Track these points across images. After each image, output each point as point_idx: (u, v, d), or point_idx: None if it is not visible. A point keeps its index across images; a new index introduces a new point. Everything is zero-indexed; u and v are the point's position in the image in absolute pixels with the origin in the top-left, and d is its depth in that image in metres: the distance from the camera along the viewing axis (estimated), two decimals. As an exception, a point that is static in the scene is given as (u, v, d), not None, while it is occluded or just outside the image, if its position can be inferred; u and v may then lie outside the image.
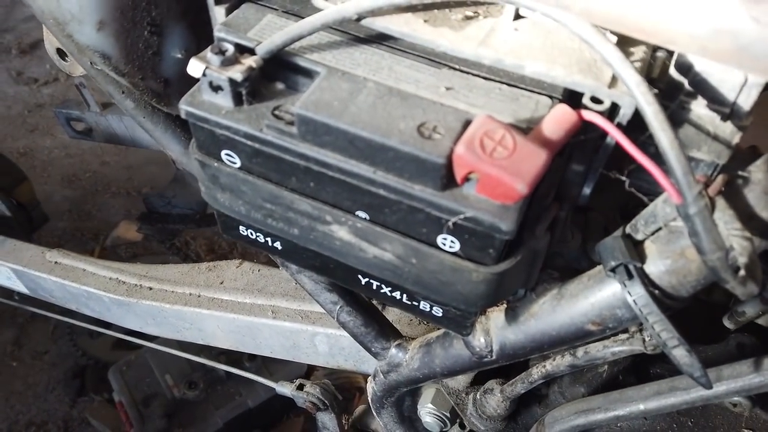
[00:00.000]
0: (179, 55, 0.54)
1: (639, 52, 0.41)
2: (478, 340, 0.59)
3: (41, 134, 3.32)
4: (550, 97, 0.43)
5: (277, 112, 0.46)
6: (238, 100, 0.46)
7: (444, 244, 0.45)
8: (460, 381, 0.73)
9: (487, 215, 0.41)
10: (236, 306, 0.93)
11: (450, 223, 0.43)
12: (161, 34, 0.51)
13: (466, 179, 0.41)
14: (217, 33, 0.47)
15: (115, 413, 2.05)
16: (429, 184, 0.42)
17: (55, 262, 1.10)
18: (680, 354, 0.44)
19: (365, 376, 2.01)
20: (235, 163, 0.49)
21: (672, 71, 0.41)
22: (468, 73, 0.45)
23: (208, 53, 0.45)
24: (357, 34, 0.48)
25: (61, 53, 0.66)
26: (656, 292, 0.45)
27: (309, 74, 0.46)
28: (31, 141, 3.27)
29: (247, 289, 0.95)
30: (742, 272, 0.38)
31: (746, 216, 0.42)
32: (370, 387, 0.79)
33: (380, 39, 0.48)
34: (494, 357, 0.59)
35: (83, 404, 2.20)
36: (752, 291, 0.37)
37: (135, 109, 0.60)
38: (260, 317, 0.91)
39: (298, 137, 0.44)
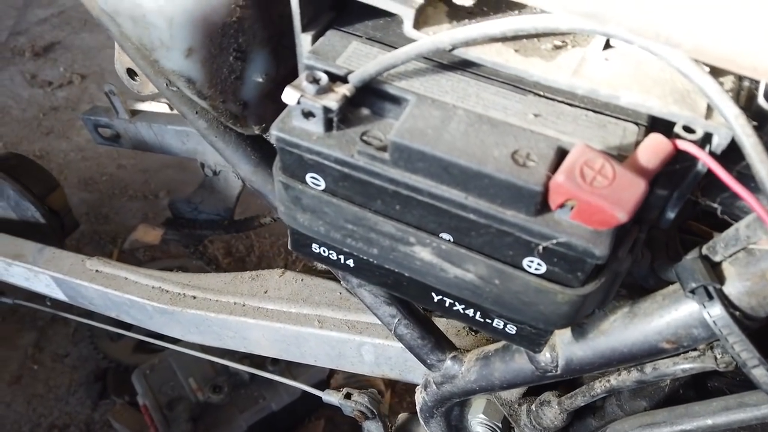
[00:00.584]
0: (260, 80, 0.55)
1: (728, 81, 0.42)
2: (544, 355, 0.60)
3: (57, 137, 3.33)
4: (636, 124, 0.45)
5: (365, 138, 0.47)
6: (328, 126, 0.47)
7: (530, 267, 0.46)
8: (513, 392, 0.75)
9: (582, 241, 0.42)
10: (282, 315, 0.94)
11: (540, 247, 0.44)
12: (245, 59, 0.53)
13: (561, 206, 0.42)
14: (307, 61, 0.49)
15: (137, 416, 2.07)
16: (522, 210, 0.43)
17: (96, 270, 1.12)
18: (760, 374, 0.45)
19: (384, 380, 2.02)
20: (319, 185, 0.50)
21: (761, 100, 0.42)
22: (553, 99, 0.47)
23: (302, 82, 0.46)
24: (441, 60, 0.49)
25: (131, 73, 0.67)
26: (736, 312, 0.46)
27: (396, 101, 0.48)
28: (46, 144, 3.28)
29: (292, 299, 0.96)
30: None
31: (830, 241, 0.44)
32: (421, 397, 0.81)
33: (464, 65, 0.49)
34: (559, 372, 0.60)
35: (105, 407, 2.22)
36: None
37: (207, 129, 0.61)
38: (306, 327, 0.92)
39: (390, 163, 0.45)
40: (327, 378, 2.00)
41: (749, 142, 0.37)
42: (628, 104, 0.42)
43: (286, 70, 0.56)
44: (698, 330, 0.49)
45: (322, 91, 0.46)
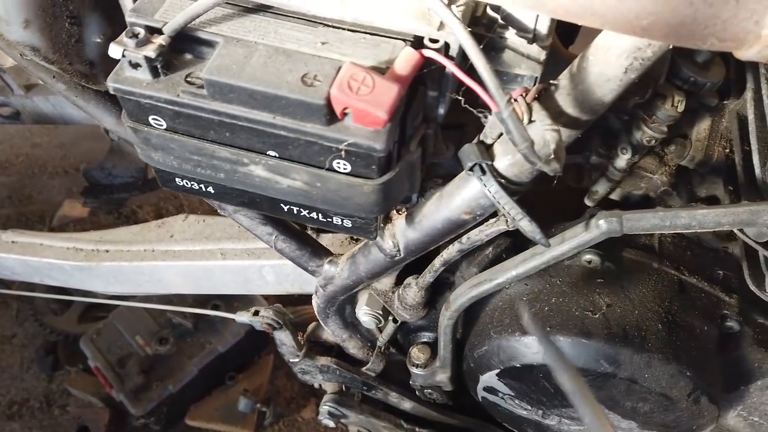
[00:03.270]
0: (99, 40, 0.63)
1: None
2: (387, 243, 0.72)
3: (-38, 124, 3.22)
4: (404, 41, 0.55)
5: (189, 79, 0.56)
6: (155, 73, 0.56)
7: (339, 168, 0.57)
8: (386, 283, 0.88)
9: (364, 140, 0.53)
10: (188, 254, 1.04)
11: (340, 150, 0.55)
12: (81, 24, 0.60)
13: (345, 114, 0.53)
14: (128, 18, 0.57)
15: (92, 380, 2.16)
16: (317, 122, 0.54)
17: (12, 242, 1.18)
18: (524, 224, 0.58)
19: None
20: (161, 125, 0.60)
21: (488, 10, 0.54)
22: (339, 28, 0.56)
23: (123, 37, 0.54)
24: (246, 5, 0.58)
25: (-11, 48, 0.73)
26: (504, 181, 0.59)
27: (210, 44, 0.57)
28: (-48, 132, 3.17)
29: (196, 238, 1.06)
30: (551, 155, 0.52)
31: (557, 114, 0.56)
32: (315, 301, 0.93)
33: (265, 7, 0.58)
34: (402, 255, 0.73)
35: (61, 377, 2.29)
36: (555, 168, 0.51)
37: (67, 90, 0.69)
38: (211, 260, 1.02)
39: (208, 97, 0.55)
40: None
41: (467, 43, 0.49)
42: (384, 26, 0.53)
43: (121, 28, 0.64)
44: (483, 200, 0.61)
45: (141, 43, 0.54)
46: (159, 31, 0.56)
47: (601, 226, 0.61)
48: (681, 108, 0.65)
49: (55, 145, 3.06)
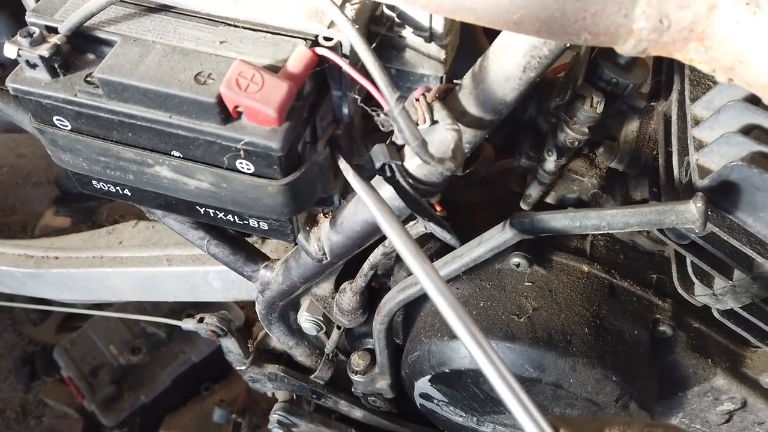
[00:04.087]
0: (5, 41, 0.62)
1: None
2: (313, 246, 0.71)
3: (-52, 135, 3.23)
4: (304, 40, 0.54)
5: (88, 79, 0.56)
6: (53, 72, 0.55)
7: (242, 167, 0.56)
8: (325, 288, 0.86)
9: (260, 139, 0.52)
10: (135, 261, 1.03)
11: (239, 150, 0.54)
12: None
13: (239, 113, 0.52)
14: (27, 18, 0.56)
15: (68, 390, 2.15)
16: (212, 120, 0.53)
17: (-37, 249, 1.17)
18: (434, 226, 0.57)
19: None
20: (66, 126, 0.59)
21: (385, 9, 0.53)
22: (240, 27, 0.56)
23: (18, 37, 0.54)
24: (148, 5, 0.57)
25: None
26: (413, 181, 0.58)
27: (110, 44, 0.56)
28: (-62, 143, 3.18)
29: (144, 245, 1.05)
30: (449, 155, 0.51)
31: (460, 114, 0.55)
32: (257, 307, 0.92)
33: (166, 7, 0.57)
34: (329, 258, 0.72)
35: (37, 388, 2.28)
36: (450, 167, 0.50)
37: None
38: (157, 267, 1.01)
39: (104, 97, 0.54)
40: (249, 325, 2.11)
41: (355, 41, 0.48)
42: (276, 24, 0.52)
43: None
44: (397, 201, 0.60)
45: (36, 42, 0.54)
46: (57, 31, 0.55)
47: (514, 226, 0.59)
48: (600, 109, 0.64)
49: (40, 155, 3.05)
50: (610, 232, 0.72)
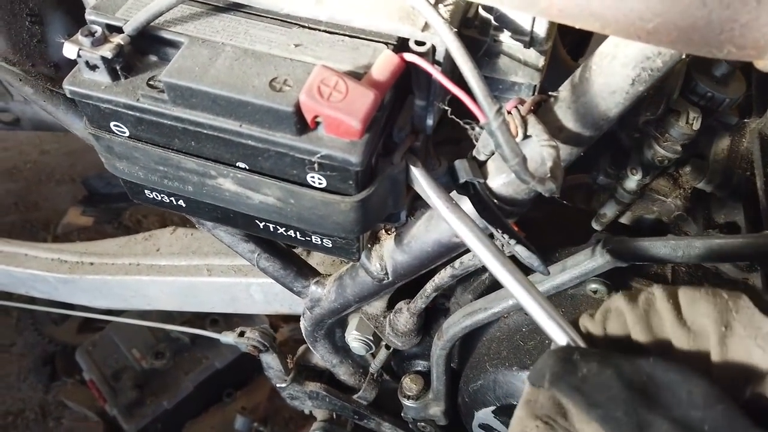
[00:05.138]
0: (63, 40, 0.58)
1: (452, -3, 0.47)
2: (375, 265, 0.67)
3: (-27, 130, 3.23)
4: (386, 44, 0.50)
5: (151, 83, 0.51)
6: (114, 75, 0.51)
7: (314, 182, 0.52)
8: (377, 307, 0.82)
9: (338, 152, 0.47)
10: (174, 269, 0.99)
11: (314, 163, 0.49)
12: (42, 22, 0.56)
13: (317, 123, 0.47)
14: (87, 16, 0.52)
15: (89, 393, 2.12)
16: (287, 131, 0.48)
17: (-4, 251, 1.14)
18: (521, 250, 0.52)
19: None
20: (124, 132, 0.55)
21: (481, 10, 0.48)
22: (315, 29, 0.51)
23: (79, 36, 0.50)
24: (216, 3, 0.53)
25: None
26: (498, 202, 0.53)
27: (175, 45, 0.52)
28: (-38, 139, 3.18)
29: (183, 253, 1.01)
30: (547, 174, 0.46)
31: (556, 129, 0.50)
32: (302, 324, 0.87)
33: (237, 6, 0.53)
34: (391, 278, 0.67)
35: (57, 388, 2.25)
36: (551, 188, 0.45)
37: (34, 94, 0.64)
38: (197, 276, 0.97)
39: (170, 102, 0.50)
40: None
41: (452, 46, 0.43)
42: (362, 26, 0.47)
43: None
44: (477, 222, 0.55)
45: (98, 42, 0.50)
46: (119, 30, 0.51)
47: (606, 254, 0.54)
48: (696, 126, 0.59)
49: (64, 152, 3.04)
50: (716, 264, 0.66)
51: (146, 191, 0.62)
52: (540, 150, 0.47)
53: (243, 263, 0.96)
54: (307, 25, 0.51)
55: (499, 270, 0.48)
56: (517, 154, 0.44)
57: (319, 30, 0.51)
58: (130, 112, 0.52)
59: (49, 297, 1.15)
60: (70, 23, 0.58)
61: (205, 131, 0.51)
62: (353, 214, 0.53)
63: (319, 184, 0.52)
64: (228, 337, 0.95)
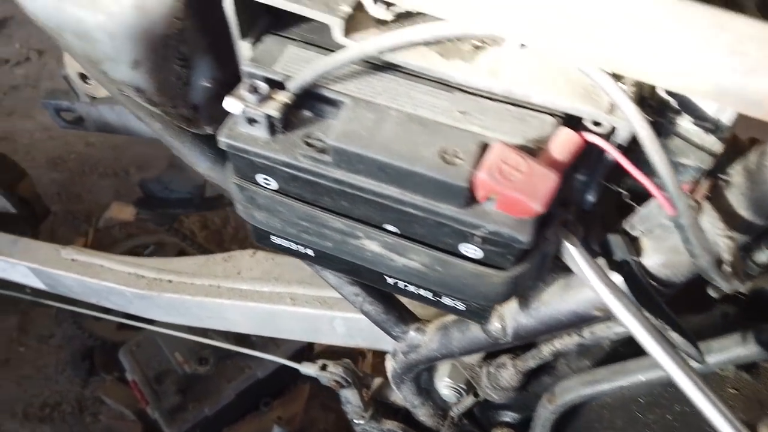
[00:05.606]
0: (208, 84, 0.57)
1: (635, 76, 0.46)
2: (494, 325, 0.65)
3: (20, 117, 3.27)
4: (554, 116, 0.48)
5: (309, 141, 0.50)
6: (272, 130, 0.50)
7: (467, 253, 0.51)
8: (474, 356, 0.80)
9: (508, 229, 0.46)
10: (256, 295, 0.99)
11: (473, 236, 0.48)
12: (190, 66, 0.55)
13: (487, 198, 0.46)
14: (246, 68, 0.51)
15: (127, 391, 2.13)
16: (453, 203, 0.47)
17: (72, 259, 1.14)
18: (676, 336, 0.50)
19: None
20: (271, 186, 0.54)
21: (660, 92, 0.46)
22: (478, 95, 0.50)
23: (242, 91, 0.49)
24: (374, 62, 0.52)
25: (83, 77, 0.69)
26: (653, 282, 0.51)
27: (333, 103, 0.51)
28: (10, 125, 3.22)
29: (264, 278, 1.00)
30: (728, 269, 0.44)
31: (729, 216, 0.48)
32: (390, 365, 0.86)
33: (395, 66, 0.52)
34: (509, 339, 0.65)
35: (95, 384, 2.26)
36: (737, 287, 0.43)
37: (163, 129, 0.64)
38: (280, 305, 0.96)
39: (332, 165, 0.49)
40: (308, 345, 2.06)
41: (646, 135, 0.41)
42: (540, 102, 0.46)
43: (231, 72, 0.59)
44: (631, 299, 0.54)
45: (263, 99, 0.49)
46: (279, 85, 0.50)
47: (760, 347, 0.52)
48: None
49: (109, 146, 3.07)
50: None
51: (273, 237, 0.62)
52: (715, 239, 0.46)
53: (328, 295, 0.95)
54: (469, 90, 0.50)
55: (661, 356, 0.46)
56: (708, 252, 0.42)
57: (482, 96, 0.50)
58: (285, 169, 0.51)
59: (122, 309, 1.15)
60: (215, 68, 0.57)
61: (362, 194, 0.50)
62: (503, 287, 0.52)
63: (474, 255, 0.50)
64: (309, 369, 0.94)
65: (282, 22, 0.54)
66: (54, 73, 3.41)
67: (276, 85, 0.50)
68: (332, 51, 0.52)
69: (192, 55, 0.55)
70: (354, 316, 0.93)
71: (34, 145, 3.08)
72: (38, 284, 1.25)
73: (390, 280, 0.60)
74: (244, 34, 0.53)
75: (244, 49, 0.53)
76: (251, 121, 0.50)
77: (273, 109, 0.48)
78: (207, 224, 2.75)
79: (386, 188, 0.48)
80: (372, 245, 0.54)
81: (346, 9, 0.48)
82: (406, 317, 0.79)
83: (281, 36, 0.53)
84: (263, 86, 0.49)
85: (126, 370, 1.98)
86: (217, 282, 1.02)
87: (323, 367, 0.92)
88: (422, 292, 0.59)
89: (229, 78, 0.59)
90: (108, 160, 3.01)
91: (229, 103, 0.49)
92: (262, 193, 0.54)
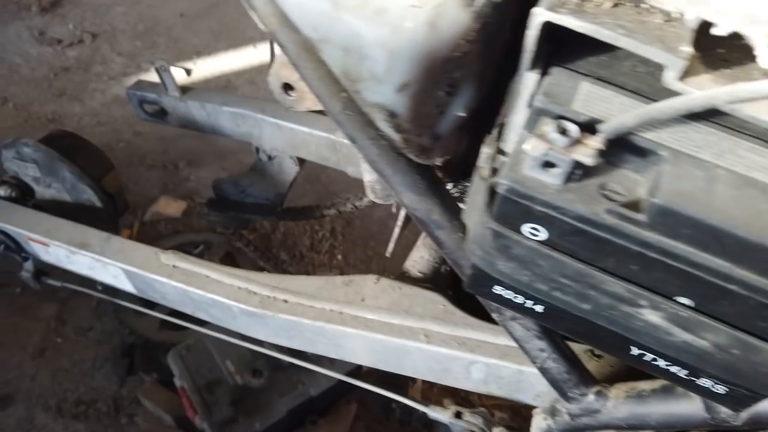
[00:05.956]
0: (461, 113, 0.51)
1: None
2: (725, 410, 0.58)
3: (69, 100, 3.22)
4: None
5: (605, 193, 0.43)
6: (568, 178, 0.43)
7: (780, 338, 0.43)
8: None
9: None
10: (384, 327, 0.91)
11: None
12: (454, 94, 0.48)
13: None
14: (540, 105, 0.44)
15: (169, 395, 2.05)
16: (797, 287, 0.40)
17: (174, 266, 1.07)
18: None
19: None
20: (538, 237, 0.47)
21: None
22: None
23: (550, 132, 0.42)
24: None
25: (286, 87, 0.62)
26: None
27: (640, 153, 0.44)
28: (59, 107, 3.17)
29: (392, 309, 0.93)
30: None
31: None
32: (545, 423, 0.79)
33: (708, 114, 0.45)
34: (739, 423, 0.58)
35: (133, 383, 2.19)
36: None
37: (378, 155, 0.57)
38: (412, 341, 0.89)
39: (646, 225, 0.42)
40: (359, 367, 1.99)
41: None
42: None
43: (481, 102, 0.52)
44: None
45: (572, 143, 0.42)
46: (590, 129, 0.43)
47: None
48: None
49: (157, 137, 3.01)
50: None
51: (499, 287, 0.54)
52: None
53: (467, 336, 0.88)
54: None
55: None
56: None
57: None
58: (576, 223, 0.44)
59: (223, 324, 1.08)
60: (475, 98, 0.50)
61: (671, 262, 0.42)
62: (810, 381, 0.45)
63: (788, 342, 0.43)
64: (440, 415, 0.87)
65: (564, 51, 0.47)
66: (107, 57, 3.37)
67: (587, 128, 0.43)
68: (629, 90, 0.45)
69: (461, 82, 0.48)
70: (498, 363, 0.85)
71: (81, 130, 3.00)
72: (128, 287, 1.18)
73: (635, 351, 0.53)
74: (534, 65, 0.46)
75: (530, 81, 0.46)
76: (548, 165, 0.43)
77: (584, 155, 0.41)
78: (256, 227, 2.69)
79: (711, 260, 0.41)
80: (652, 316, 0.47)
81: (688, 49, 0.41)
82: (587, 379, 0.71)
83: (570, 70, 0.47)
84: (574, 128, 0.42)
85: (174, 375, 1.91)
86: (340, 308, 0.95)
87: (458, 415, 0.85)
88: (675, 368, 0.52)
89: (477, 108, 0.53)
90: (156, 152, 2.95)
91: (532, 146, 0.42)
92: (523, 244, 0.47)
